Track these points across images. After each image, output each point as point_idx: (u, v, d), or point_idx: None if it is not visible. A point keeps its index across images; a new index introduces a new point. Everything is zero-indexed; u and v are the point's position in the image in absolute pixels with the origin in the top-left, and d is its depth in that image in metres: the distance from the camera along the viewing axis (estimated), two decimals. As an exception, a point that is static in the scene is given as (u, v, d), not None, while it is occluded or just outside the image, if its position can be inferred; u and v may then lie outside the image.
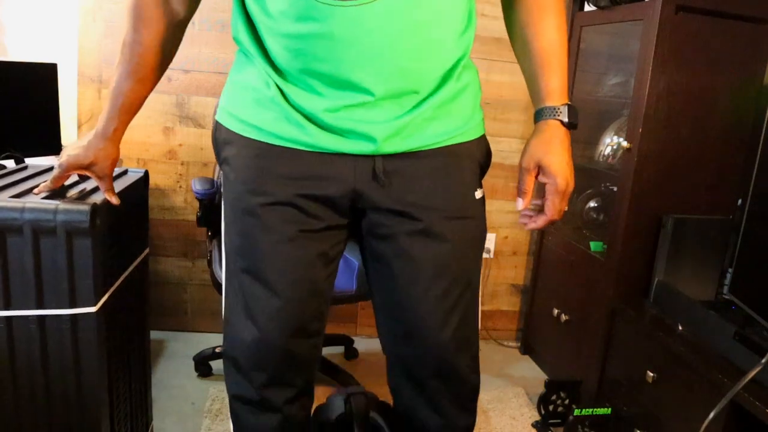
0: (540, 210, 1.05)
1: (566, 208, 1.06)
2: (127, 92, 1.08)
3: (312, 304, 1.06)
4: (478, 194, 1.08)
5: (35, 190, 1.11)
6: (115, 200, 1.14)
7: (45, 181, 1.13)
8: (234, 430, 1.15)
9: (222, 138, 1.08)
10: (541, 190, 1.05)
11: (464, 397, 1.12)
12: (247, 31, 1.01)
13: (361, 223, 1.07)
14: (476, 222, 1.09)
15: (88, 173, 1.12)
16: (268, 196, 1.01)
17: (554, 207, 1.02)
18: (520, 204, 1.04)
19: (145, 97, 1.12)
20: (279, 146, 1.01)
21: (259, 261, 1.02)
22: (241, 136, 1.04)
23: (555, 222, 1.05)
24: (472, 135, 1.07)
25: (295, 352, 1.06)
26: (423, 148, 1.02)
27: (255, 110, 1.02)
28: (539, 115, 1.05)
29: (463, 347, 1.09)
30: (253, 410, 1.09)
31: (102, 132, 1.10)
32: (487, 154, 1.13)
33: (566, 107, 1.03)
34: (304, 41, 0.93)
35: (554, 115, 1.03)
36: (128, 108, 1.10)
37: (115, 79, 1.08)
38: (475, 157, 1.09)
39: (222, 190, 1.10)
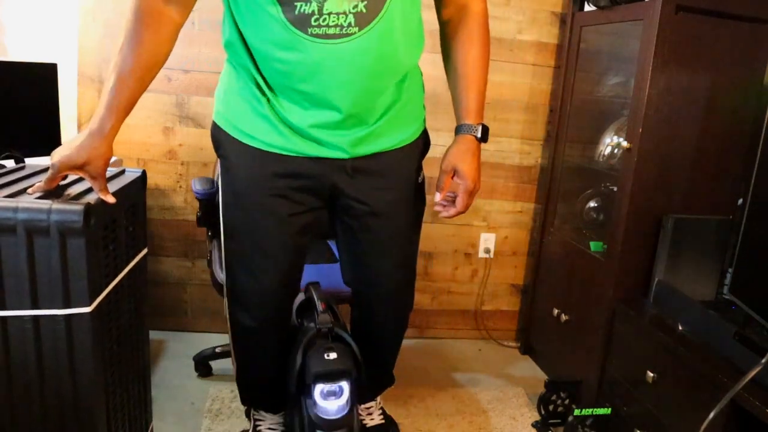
0: (451, 202, 1.36)
1: (471, 204, 1.37)
2: (125, 91, 1.15)
3: (296, 262, 1.43)
4: (419, 179, 1.45)
5: (29, 190, 1.11)
6: (110, 199, 1.14)
7: (39, 182, 1.13)
8: (234, 345, 1.54)
9: (221, 138, 1.36)
10: (453, 187, 1.36)
11: (403, 313, 1.59)
12: (243, 50, 1.24)
13: (336, 204, 1.40)
14: (418, 200, 1.46)
15: (81, 173, 1.13)
16: (267, 190, 1.33)
17: (464, 202, 1.35)
18: (437, 197, 1.36)
19: (139, 97, 1.19)
20: (270, 151, 1.30)
21: (259, 235, 1.36)
22: (239, 141, 1.32)
23: (462, 212, 1.36)
24: (416, 135, 1.41)
25: (282, 295, 1.45)
26: (381, 151, 1.35)
27: (250, 121, 1.29)
28: (459, 130, 1.36)
29: (407, 289, 1.55)
30: (252, 335, 1.47)
31: (97, 131, 1.13)
32: (426, 143, 1.46)
33: (480, 126, 1.35)
34: (291, 65, 1.19)
35: (471, 132, 1.34)
36: (124, 107, 1.16)
37: (113, 78, 1.14)
38: (418, 150, 1.43)
39: (220, 177, 1.40)
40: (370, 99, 1.26)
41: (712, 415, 1.37)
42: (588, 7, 2.24)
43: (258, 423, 1.67)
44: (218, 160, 1.41)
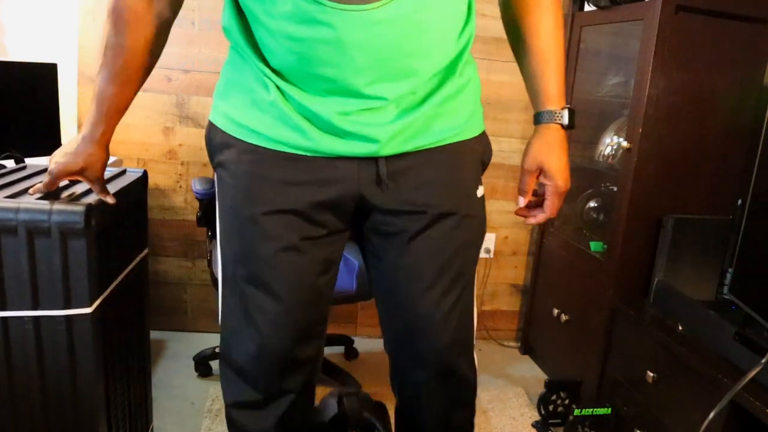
0: (538, 206, 1.11)
1: (560, 207, 1.13)
2: (112, 96, 1.05)
3: (313, 308, 1.07)
4: (479, 192, 1.10)
5: (30, 191, 1.11)
6: (110, 200, 1.13)
7: (39, 184, 1.12)
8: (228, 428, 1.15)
9: (217, 140, 1.05)
10: (539, 188, 1.12)
11: (464, 396, 1.15)
12: (239, 29, 0.99)
13: (364, 223, 1.07)
14: (477, 220, 1.10)
15: (79, 178, 1.10)
16: (268, 205, 1.00)
17: (553, 206, 1.10)
18: (522, 202, 1.11)
19: (132, 99, 1.09)
20: (278, 151, 1.00)
21: (261, 268, 1.02)
22: (238, 139, 1.02)
23: (552, 218, 1.12)
24: (474, 131, 1.09)
25: (298, 355, 1.07)
26: (426, 147, 1.03)
27: (252, 113, 1.00)
28: (539, 118, 1.09)
29: (462, 347, 1.11)
30: (254, 414, 1.09)
31: (89, 136, 1.07)
32: (488, 150, 1.15)
33: (566, 111, 1.08)
34: (309, 45, 0.91)
35: (554, 119, 1.07)
36: (114, 112, 1.07)
37: (98, 83, 1.05)
38: (477, 153, 1.10)
39: (217, 193, 1.09)
40: (409, 83, 0.97)
41: (712, 415, 1.37)
42: (588, 7, 2.24)
43: None
44: (215, 171, 1.09)
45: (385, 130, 0.97)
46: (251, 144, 1.01)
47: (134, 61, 1.05)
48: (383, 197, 1.02)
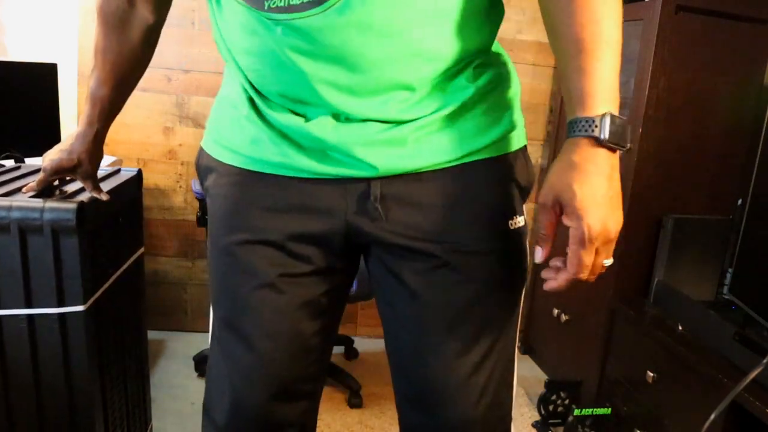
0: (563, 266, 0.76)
1: (606, 262, 0.75)
2: (104, 98, 1.03)
3: (298, 362, 0.88)
4: (513, 223, 0.87)
5: (23, 189, 1.11)
6: (104, 196, 1.13)
7: (32, 182, 1.12)
8: None
9: (203, 165, 0.94)
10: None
11: None
12: (223, 44, 0.87)
13: (368, 260, 0.89)
14: (509, 259, 0.87)
15: (72, 176, 1.10)
16: (243, 233, 0.85)
17: (576, 260, 0.74)
18: (538, 257, 0.78)
19: (125, 99, 1.07)
20: (258, 172, 0.85)
21: (236, 309, 0.87)
22: (220, 162, 0.89)
23: (580, 278, 0.75)
24: (500, 149, 0.85)
25: (278, 418, 0.89)
26: (430, 168, 0.81)
27: (231, 131, 0.88)
28: (570, 130, 0.75)
29: (490, 423, 0.88)
30: None
31: (84, 134, 1.06)
32: (525, 170, 0.90)
33: (608, 118, 0.71)
34: (258, 58, 0.80)
35: (588, 131, 0.72)
36: (108, 112, 1.05)
37: (91, 85, 1.03)
38: (508, 175, 0.86)
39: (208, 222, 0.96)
40: (391, 96, 0.78)
41: (713, 415, 1.36)
42: (588, 7, 2.24)
43: None
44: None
45: (371, 143, 0.79)
46: (232, 166, 0.88)
47: (123, 64, 1.02)
48: (378, 228, 0.82)
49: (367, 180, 0.80)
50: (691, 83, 1.81)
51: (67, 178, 1.16)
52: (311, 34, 0.73)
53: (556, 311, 2.26)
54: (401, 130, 0.79)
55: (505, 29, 2.38)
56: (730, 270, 1.72)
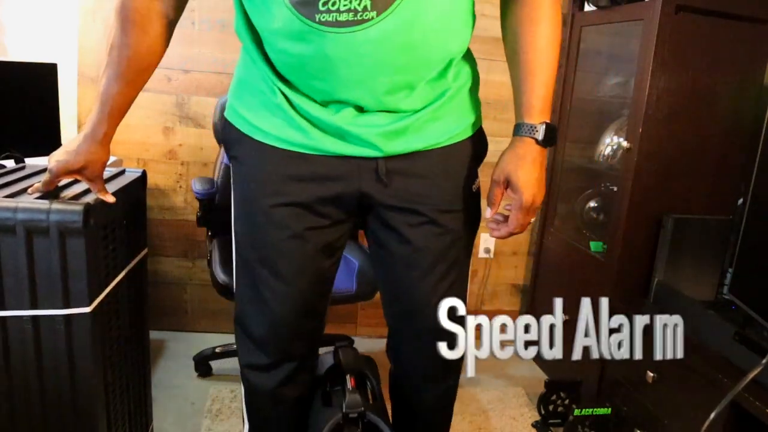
0: (505, 220, 1.10)
1: (532, 221, 1.12)
2: (116, 95, 1.08)
3: (317, 288, 1.17)
4: (474, 187, 1.16)
5: (29, 190, 1.11)
6: (110, 198, 1.14)
7: (38, 183, 1.12)
8: (245, 393, 1.28)
9: (232, 136, 1.13)
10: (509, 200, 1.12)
11: (453, 366, 1.22)
12: (249, 36, 1.05)
13: (368, 215, 1.15)
14: (471, 213, 1.17)
15: (78, 177, 1.12)
16: (278, 197, 1.08)
17: (516, 221, 1.08)
18: (488, 213, 1.11)
19: (134, 99, 1.12)
20: (285, 149, 1.07)
21: (271, 253, 1.11)
22: (250, 137, 1.10)
23: (518, 233, 1.10)
24: (469, 132, 1.14)
25: (302, 329, 1.18)
26: (423, 149, 1.09)
27: (262, 114, 1.08)
28: (517, 130, 1.09)
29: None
30: (263, 375, 1.21)
31: (91, 135, 1.09)
32: (483, 145, 1.19)
33: (543, 126, 1.05)
34: (299, 59, 0.99)
35: (530, 133, 1.06)
36: (117, 111, 1.10)
37: (103, 82, 1.08)
38: (471, 152, 1.15)
39: (232, 182, 1.18)
40: (399, 95, 1.03)
41: (713, 415, 1.36)
42: (588, 7, 2.24)
43: None
44: (230, 163, 1.19)
45: (381, 131, 1.04)
46: (262, 142, 1.08)
47: (138, 61, 1.08)
48: (382, 193, 1.09)
49: (376, 159, 1.06)
50: (691, 83, 1.82)
51: (72, 179, 1.16)
52: (352, 45, 0.95)
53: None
54: (404, 122, 1.05)
55: (505, 29, 2.38)
56: (730, 270, 1.73)
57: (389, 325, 1.26)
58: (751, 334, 1.49)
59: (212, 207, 1.96)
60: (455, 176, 1.13)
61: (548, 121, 1.07)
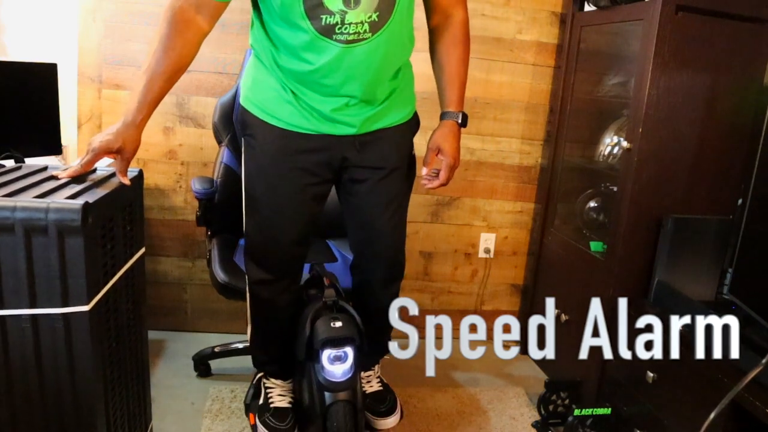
0: (435, 176, 1.56)
1: (452, 178, 1.58)
2: (158, 89, 1.33)
3: (308, 224, 1.61)
4: (413, 152, 1.66)
5: (59, 173, 1.21)
6: (126, 181, 1.29)
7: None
8: (251, 303, 1.68)
9: (248, 120, 1.55)
10: (437, 164, 1.58)
11: (399, 274, 1.75)
12: (266, 49, 1.47)
13: (343, 174, 1.60)
14: (411, 170, 1.67)
15: (114, 156, 1.30)
16: (288, 163, 1.52)
17: (445, 175, 1.56)
18: (424, 171, 1.57)
19: (165, 94, 1.37)
20: (293, 131, 1.51)
21: (279, 200, 1.55)
22: (265, 122, 1.52)
23: (444, 185, 1.58)
24: (410, 116, 1.63)
25: (296, 252, 1.64)
26: (383, 128, 1.56)
27: (276, 105, 1.50)
28: (443, 116, 1.59)
29: (400, 247, 1.71)
30: (268, 286, 1.63)
31: (131, 121, 1.31)
32: (417, 125, 1.67)
33: (461, 113, 1.58)
34: (316, 65, 1.41)
35: (453, 118, 1.58)
36: (154, 102, 1.34)
37: (145, 78, 1.32)
38: (412, 128, 1.65)
39: (244, 154, 1.58)
40: (376, 87, 1.49)
41: (713, 415, 1.36)
42: (588, 7, 2.24)
43: (269, 391, 1.78)
44: (243, 138, 1.59)
45: (360, 119, 1.50)
46: (275, 126, 1.51)
47: (179, 62, 1.37)
48: (356, 157, 1.55)
49: (354, 136, 1.53)
50: (691, 83, 1.82)
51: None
52: (354, 54, 1.40)
53: (556, 311, 2.26)
54: (374, 110, 1.52)
55: (506, 29, 2.38)
56: (730, 270, 1.73)
57: (354, 250, 1.73)
58: (751, 334, 1.49)
59: (211, 206, 1.96)
60: (402, 145, 1.61)
61: (463, 110, 1.59)
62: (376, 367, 1.90)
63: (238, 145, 2.00)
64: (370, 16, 1.37)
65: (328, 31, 1.36)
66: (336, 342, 1.50)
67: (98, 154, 1.27)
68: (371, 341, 1.64)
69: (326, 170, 1.57)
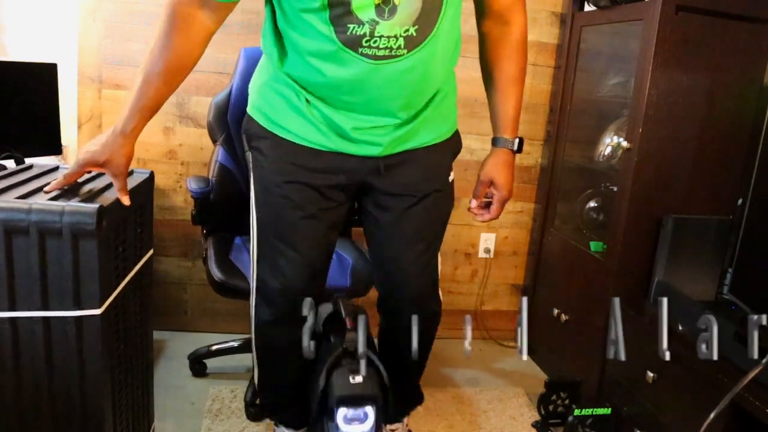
0: (485, 208, 1.43)
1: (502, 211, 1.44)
2: (152, 94, 1.17)
3: (322, 257, 1.41)
4: (450, 177, 1.45)
5: (46, 188, 1.12)
6: (126, 200, 1.16)
7: (57, 179, 1.12)
8: (257, 346, 1.50)
9: (255, 131, 1.35)
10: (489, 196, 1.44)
11: (432, 323, 1.53)
12: (278, 53, 1.27)
13: (364, 198, 1.42)
14: (447, 198, 1.46)
15: (103, 170, 1.16)
16: (297, 183, 1.31)
17: (497, 211, 1.42)
18: (473, 204, 1.43)
19: (166, 98, 1.21)
20: (305, 146, 1.30)
21: (288, 230, 1.34)
22: (273, 133, 1.32)
23: (494, 219, 1.44)
24: (448, 135, 1.41)
25: (309, 290, 1.37)
26: (414, 148, 1.35)
27: (286, 115, 1.29)
28: (496, 142, 1.42)
29: (432, 292, 1.49)
30: (277, 327, 1.42)
31: (120, 130, 1.16)
32: (459, 143, 1.47)
33: (517, 140, 1.40)
34: (336, 79, 1.20)
35: (508, 146, 1.40)
36: (149, 108, 1.18)
37: (139, 79, 1.16)
38: (450, 149, 1.44)
39: (251, 171, 1.40)
40: (410, 109, 1.29)
41: (712, 415, 1.36)
42: (588, 7, 2.24)
43: None
44: (250, 153, 1.40)
45: (385, 139, 1.29)
46: (284, 138, 1.31)
47: (176, 63, 1.18)
48: (379, 182, 1.35)
49: (378, 158, 1.32)
50: (691, 83, 1.82)
51: (89, 176, 1.21)
52: (384, 73, 1.18)
53: (556, 311, 2.27)
54: (404, 130, 1.30)
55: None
56: (730, 270, 1.73)
57: (380, 289, 1.52)
58: (752, 333, 1.49)
59: (207, 205, 1.96)
60: (437, 169, 1.41)
61: (519, 135, 1.41)
62: (406, 419, 1.69)
63: (233, 144, 2.01)
64: (407, 30, 1.14)
65: (353, 43, 1.14)
66: (354, 401, 1.29)
67: (83, 167, 1.15)
68: (400, 391, 1.45)
69: (342, 194, 1.36)
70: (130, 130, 1.17)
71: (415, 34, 1.15)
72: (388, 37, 1.13)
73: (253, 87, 1.38)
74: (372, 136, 1.27)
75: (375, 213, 1.40)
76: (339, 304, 1.50)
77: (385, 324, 1.55)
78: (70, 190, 1.15)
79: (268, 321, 1.43)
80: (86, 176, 1.25)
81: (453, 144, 1.43)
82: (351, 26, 1.12)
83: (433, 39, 1.18)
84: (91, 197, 1.12)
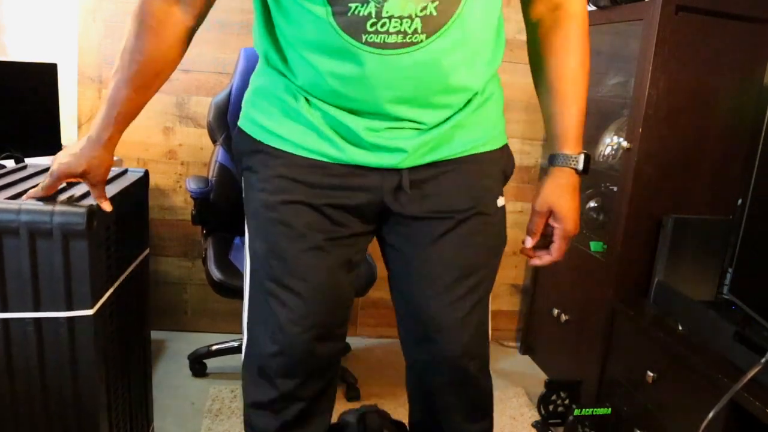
0: (544, 247, 1.10)
1: (567, 249, 1.11)
2: (124, 101, 1.02)
3: (336, 308, 1.07)
4: (499, 202, 1.10)
5: (24, 197, 1.07)
6: (107, 207, 1.10)
7: (35, 187, 1.09)
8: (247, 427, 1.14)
9: (245, 146, 1.09)
10: (548, 230, 1.10)
11: (481, 404, 1.16)
12: (271, 46, 1.04)
13: (384, 226, 1.09)
14: (496, 226, 1.10)
15: (80, 180, 1.08)
16: (296, 205, 1.03)
17: (561, 250, 1.08)
18: (529, 243, 1.10)
19: (143, 105, 1.06)
20: (307, 158, 1.03)
21: (286, 268, 1.03)
22: (268, 145, 1.05)
23: (557, 261, 1.09)
24: (495, 144, 1.09)
25: (319, 355, 1.06)
26: (448, 158, 1.05)
27: (283, 122, 1.04)
28: (554, 160, 1.09)
29: (475, 352, 1.10)
30: (272, 415, 1.07)
31: (95, 139, 1.04)
32: (510, 161, 1.14)
33: (582, 156, 1.07)
34: (338, 78, 0.96)
35: (570, 164, 1.07)
36: (124, 117, 1.04)
37: (111, 86, 1.02)
38: (499, 165, 1.10)
39: (244, 197, 1.11)
40: (437, 112, 1.01)
41: (711, 414, 1.36)
42: (588, 7, 2.24)
43: None
44: (242, 175, 1.13)
45: (409, 144, 1.00)
46: (281, 150, 1.04)
47: (151, 67, 1.03)
48: (403, 203, 1.04)
49: (400, 170, 1.02)
50: (691, 83, 1.82)
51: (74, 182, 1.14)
52: (396, 68, 0.93)
53: (556, 311, 2.26)
54: (434, 133, 1.01)
55: (506, 29, 2.38)
56: (730, 270, 1.73)
57: (407, 360, 1.14)
58: (751, 334, 1.49)
59: (207, 205, 1.96)
60: (481, 184, 1.07)
61: (584, 150, 1.08)
62: None
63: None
64: (425, 8, 0.89)
65: (356, 28, 0.90)
66: None
67: (59, 179, 1.05)
68: None
69: (356, 219, 1.06)
70: (106, 139, 1.04)
71: (435, 13, 0.90)
72: (400, 18, 0.89)
73: (245, 96, 1.13)
74: (391, 140, 0.99)
75: (397, 244, 1.08)
76: (365, 422, 1.22)
77: (415, 412, 1.21)
78: (60, 190, 1.14)
79: (260, 402, 1.08)
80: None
81: (502, 159, 1.11)
82: (352, 5, 0.89)
83: (459, 20, 0.92)
84: (81, 198, 1.12)
